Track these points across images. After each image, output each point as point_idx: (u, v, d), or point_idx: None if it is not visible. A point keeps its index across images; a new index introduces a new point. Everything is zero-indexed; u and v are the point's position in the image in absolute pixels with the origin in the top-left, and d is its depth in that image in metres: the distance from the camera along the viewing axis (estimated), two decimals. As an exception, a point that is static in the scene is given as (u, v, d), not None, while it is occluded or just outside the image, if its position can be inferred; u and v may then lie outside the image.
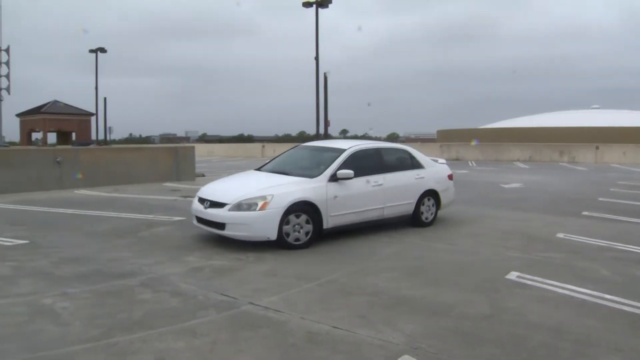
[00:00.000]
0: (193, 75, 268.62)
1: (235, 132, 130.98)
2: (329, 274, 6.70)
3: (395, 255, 7.90)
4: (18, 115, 67.16)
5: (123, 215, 11.10)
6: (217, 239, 8.57)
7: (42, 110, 64.19)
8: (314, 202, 8.38)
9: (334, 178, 8.69)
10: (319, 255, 7.84)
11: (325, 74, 28.43)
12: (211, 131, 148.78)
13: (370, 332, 4.80)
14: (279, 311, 5.32)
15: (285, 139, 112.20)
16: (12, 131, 73.56)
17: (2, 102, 32.93)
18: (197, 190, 9.22)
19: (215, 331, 4.79)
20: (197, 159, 21.58)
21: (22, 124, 66.67)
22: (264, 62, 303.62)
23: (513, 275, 6.70)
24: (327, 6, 28.45)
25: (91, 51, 47.22)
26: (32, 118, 65.13)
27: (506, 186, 18.12)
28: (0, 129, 34.13)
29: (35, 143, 64.75)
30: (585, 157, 34.33)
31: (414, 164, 10.31)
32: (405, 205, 9.89)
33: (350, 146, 9.51)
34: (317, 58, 27.81)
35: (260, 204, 8.02)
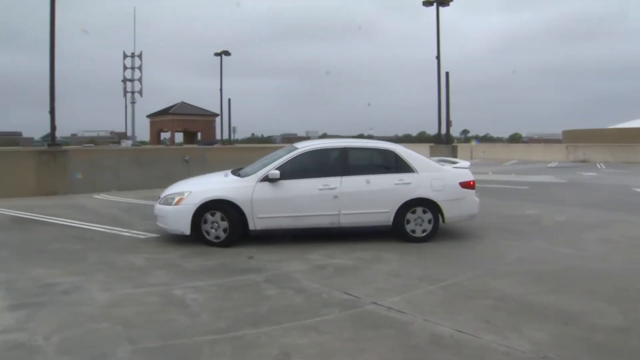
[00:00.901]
0: (313, 76, 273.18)
1: (354, 133, 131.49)
2: (453, 277, 6.57)
3: (522, 259, 7.59)
4: (148, 116, 71.81)
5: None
6: (340, 238, 8.69)
7: (170, 111, 68.16)
8: (234, 201, 8.27)
9: (266, 178, 8.38)
10: (442, 257, 7.71)
11: (447, 73, 27.91)
12: (331, 131, 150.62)
13: (496, 337, 4.64)
14: (402, 312, 5.29)
15: (405, 139, 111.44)
16: (143, 131, 78.73)
17: (135, 104, 35.28)
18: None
19: (339, 329, 4.83)
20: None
21: (152, 125, 71.17)
22: (383, 62, 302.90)
23: (650, 285, 6.24)
24: (447, 4, 27.91)
25: (216, 54, 49.31)
26: (161, 119, 69.34)
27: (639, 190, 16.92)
28: (133, 129, 36.48)
29: (163, 142, 68.82)
30: None
31: (400, 167, 8.80)
32: (375, 214, 8.58)
33: (306, 145, 9.08)
34: (438, 57, 27.37)
35: (176, 199, 8.40)
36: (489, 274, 6.75)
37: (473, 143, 38.14)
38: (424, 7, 28.48)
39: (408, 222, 8.64)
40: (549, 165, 32.00)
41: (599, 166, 30.32)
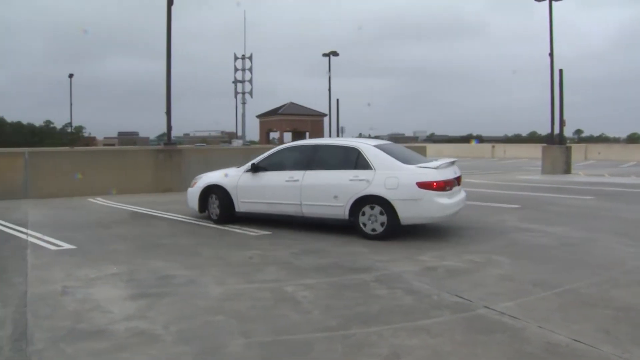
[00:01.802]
0: (421, 76, 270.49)
1: (463, 132, 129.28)
2: (570, 283, 6.27)
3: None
4: (258, 116, 73.83)
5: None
6: (452, 239, 8.62)
7: (279, 111, 69.75)
8: (224, 187, 10.27)
9: (248, 169, 10.07)
10: (557, 262, 7.38)
11: (560, 70, 26.66)
12: (439, 131, 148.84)
13: (616, 350, 4.37)
14: (515, 317, 5.12)
15: (515, 139, 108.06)
16: (253, 131, 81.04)
17: (245, 105, 36.45)
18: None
19: (450, 332, 4.76)
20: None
21: (262, 125, 73.14)
22: (492, 60, 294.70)
23: None
24: (560, -1, 26.69)
25: (324, 55, 49.85)
26: (270, 119, 71.10)
27: None
28: (244, 129, 37.68)
29: (272, 142, 70.50)
30: None
31: (360, 165, 9.06)
32: (330, 207, 9.15)
33: (292, 143, 10.60)
34: (551, 54, 26.16)
35: (192, 183, 11.09)
36: (608, 282, 6.37)
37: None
38: (536, 2, 27.39)
39: (363, 217, 8.91)
40: (681, 168, 29.83)
41: None
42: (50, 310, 5.29)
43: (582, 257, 7.68)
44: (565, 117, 27.43)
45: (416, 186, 8.54)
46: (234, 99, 69.75)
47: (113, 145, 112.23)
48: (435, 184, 8.56)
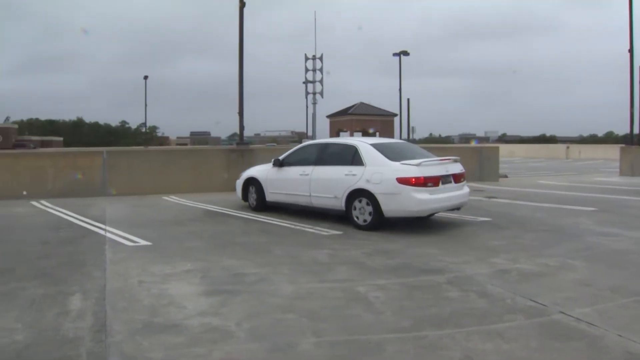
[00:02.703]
0: (493, 75, 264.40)
1: (536, 133, 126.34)
2: (652, 290, 6.02)
3: None
4: (328, 116, 74.08)
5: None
6: (525, 242, 8.45)
7: (350, 111, 69.81)
8: (258, 179, 12.05)
9: (274, 164, 11.65)
10: (637, 266, 7.10)
11: None
12: (511, 131, 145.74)
13: None
14: (592, 324, 4.93)
15: (591, 139, 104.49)
16: (323, 131, 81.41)
17: (316, 105, 36.63)
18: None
19: (524, 337, 4.64)
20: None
21: (332, 125, 73.36)
22: (567, 59, 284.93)
23: None
24: (643, -10, 25.60)
25: (395, 54, 49.59)
26: (340, 119, 71.26)
27: None
28: (314, 129, 37.91)
29: (341, 143, 70.46)
30: None
31: (355, 161, 10.02)
32: (331, 199, 10.25)
33: (309, 141, 11.57)
34: (631, 50, 25.06)
35: (240, 175, 12.87)
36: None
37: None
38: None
39: (355, 209, 9.82)
40: None
41: None
42: (128, 304, 5.49)
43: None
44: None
45: (396, 181, 9.25)
46: (305, 99, 70.41)
47: (186, 144, 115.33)
48: (413, 179, 9.17)
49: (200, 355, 4.24)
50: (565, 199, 14.39)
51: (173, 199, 14.55)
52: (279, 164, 11.57)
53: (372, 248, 8.15)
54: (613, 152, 31.70)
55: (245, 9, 18.92)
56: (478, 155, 20.39)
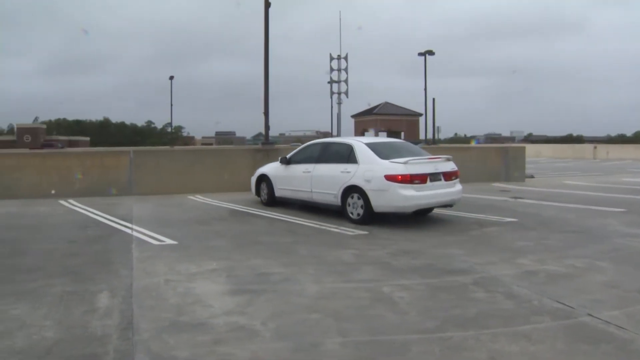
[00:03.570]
0: (519, 75, 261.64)
1: (562, 132, 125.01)
2: (683, 292, 5.92)
3: None
4: (353, 116, 74.00)
5: (453, 213, 11.44)
6: (552, 243, 8.38)
7: (374, 111, 69.71)
8: (268, 176, 12.87)
9: (281, 162, 12.45)
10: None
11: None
12: (537, 131, 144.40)
13: None
14: (621, 327, 4.87)
15: (619, 139, 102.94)
16: (348, 131, 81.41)
17: (341, 105, 36.60)
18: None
19: (551, 339, 4.60)
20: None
21: (356, 124, 73.28)
22: (595, 58, 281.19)
23: None
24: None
25: (420, 54, 49.39)
26: (365, 119, 71.15)
27: None
28: (339, 129, 37.93)
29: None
30: None
31: (350, 159, 10.64)
32: (329, 195, 10.89)
33: (314, 141, 12.73)
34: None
35: (255, 172, 13.62)
36: None
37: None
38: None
39: (349, 205, 10.43)
40: None
41: None
42: (154, 302, 5.56)
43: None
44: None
45: (384, 178, 9.80)
46: (330, 99, 70.48)
47: (211, 144, 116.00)
48: (400, 177, 9.71)
49: (226, 354, 4.28)
50: (593, 199, 14.21)
51: (199, 198, 14.67)
52: (286, 161, 12.36)
53: (396, 248, 8.14)
54: (637, 152, 31.16)
55: (270, 10, 19.02)
56: (504, 155, 20.21)
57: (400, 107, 70.70)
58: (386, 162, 10.05)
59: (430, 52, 49.29)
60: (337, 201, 10.70)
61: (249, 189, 14.06)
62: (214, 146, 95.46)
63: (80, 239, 8.93)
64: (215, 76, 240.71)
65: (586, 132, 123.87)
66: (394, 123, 68.58)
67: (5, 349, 4.34)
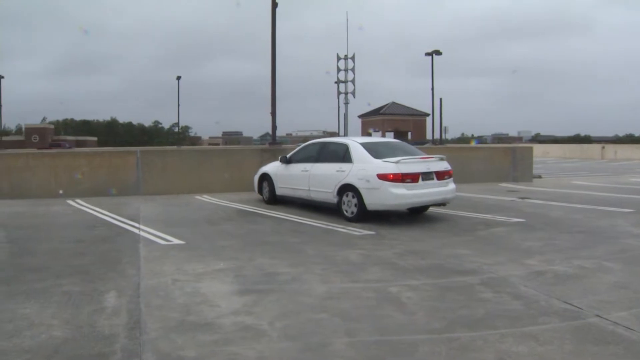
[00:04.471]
0: (526, 75, 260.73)
1: (570, 132, 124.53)
2: (694, 293, 5.88)
3: None
4: (360, 116, 74.04)
5: (460, 213, 11.43)
6: (560, 243, 8.34)
7: (381, 111, 69.77)
8: (270, 175, 13.23)
9: (283, 161, 12.77)
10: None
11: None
12: (545, 131, 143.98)
13: None
14: (630, 329, 4.83)
15: (627, 139, 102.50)
16: (355, 131, 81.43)
17: (348, 105, 36.57)
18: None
19: (559, 340, 4.57)
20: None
21: (363, 124, 73.35)
22: (602, 58, 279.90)
23: None
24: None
25: (427, 54, 49.38)
26: (372, 119, 71.21)
27: None
28: (346, 129, 37.95)
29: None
30: None
31: (346, 158, 10.94)
32: (326, 193, 11.20)
33: (312, 141, 13.20)
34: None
35: (257, 172, 13.94)
36: None
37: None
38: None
39: (344, 203, 10.73)
40: None
41: None
42: (162, 302, 5.57)
43: None
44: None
45: (376, 177, 10.06)
46: (337, 99, 70.53)
47: (218, 144, 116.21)
48: (391, 175, 9.98)
49: (233, 353, 4.28)
50: (601, 200, 14.14)
51: (206, 198, 14.69)
52: (286, 161, 12.73)
53: (404, 248, 8.12)
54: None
55: (277, 10, 19.03)
56: (511, 155, 20.14)
57: (408, 107, 70.74)
58: (379, 161, 10.33)
59: (438, 52, 49.28)
60: (333, 199, 10.99)
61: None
62: (221, 146, 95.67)
63: (88, 239, 8.95)
64: (222, 76, 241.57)
65: (594, 132, 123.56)
66: (401, 123, 68.63)
67: (14, 348, 4.36)
